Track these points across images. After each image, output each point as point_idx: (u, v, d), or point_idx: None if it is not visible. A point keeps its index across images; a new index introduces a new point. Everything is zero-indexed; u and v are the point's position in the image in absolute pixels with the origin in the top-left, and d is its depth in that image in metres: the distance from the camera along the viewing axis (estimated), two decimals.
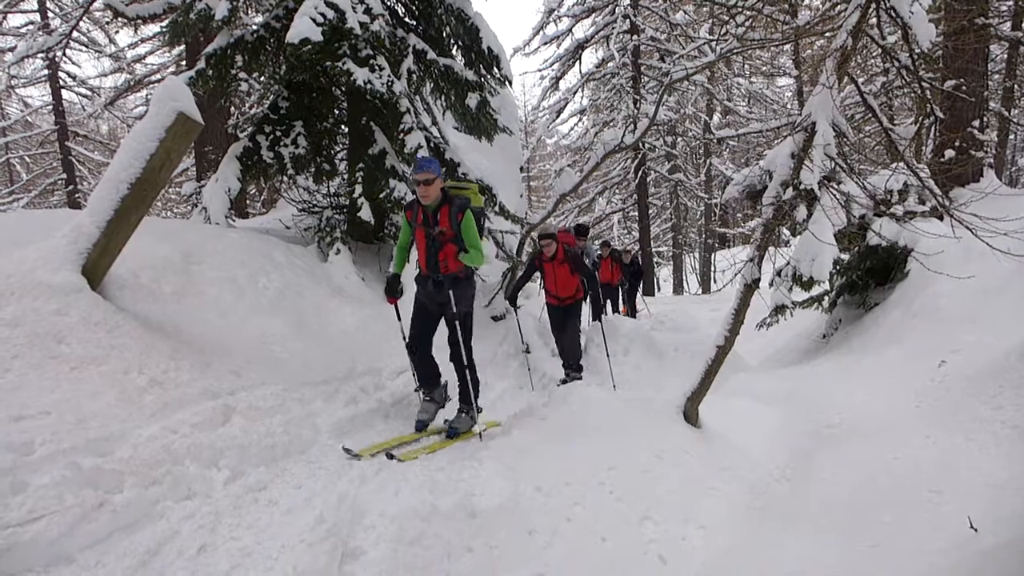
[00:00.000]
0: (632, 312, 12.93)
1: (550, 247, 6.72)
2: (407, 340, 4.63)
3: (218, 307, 5.02)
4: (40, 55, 14.93)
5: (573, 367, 7.14)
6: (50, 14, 17.53)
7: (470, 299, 4.61)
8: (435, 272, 4.42)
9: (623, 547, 3.06)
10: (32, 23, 17.46)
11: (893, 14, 4.08)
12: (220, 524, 3.06)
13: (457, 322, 4.48)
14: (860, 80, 8.83)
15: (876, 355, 6.19)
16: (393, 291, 4.59)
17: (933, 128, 8.14)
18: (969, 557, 2.63)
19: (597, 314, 10.22)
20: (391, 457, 3.94)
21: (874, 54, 10.22)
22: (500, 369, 7.47)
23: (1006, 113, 11.81)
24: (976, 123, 8.68)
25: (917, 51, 4.23)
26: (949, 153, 8.38)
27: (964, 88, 7.93)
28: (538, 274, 7.45)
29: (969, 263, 5.42)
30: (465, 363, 4.57)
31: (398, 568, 2.70)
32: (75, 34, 15.19)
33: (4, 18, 16.51)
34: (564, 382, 6.74)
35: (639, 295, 14.04)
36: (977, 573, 2.52)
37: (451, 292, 4.36)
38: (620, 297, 12.71)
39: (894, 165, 6.82)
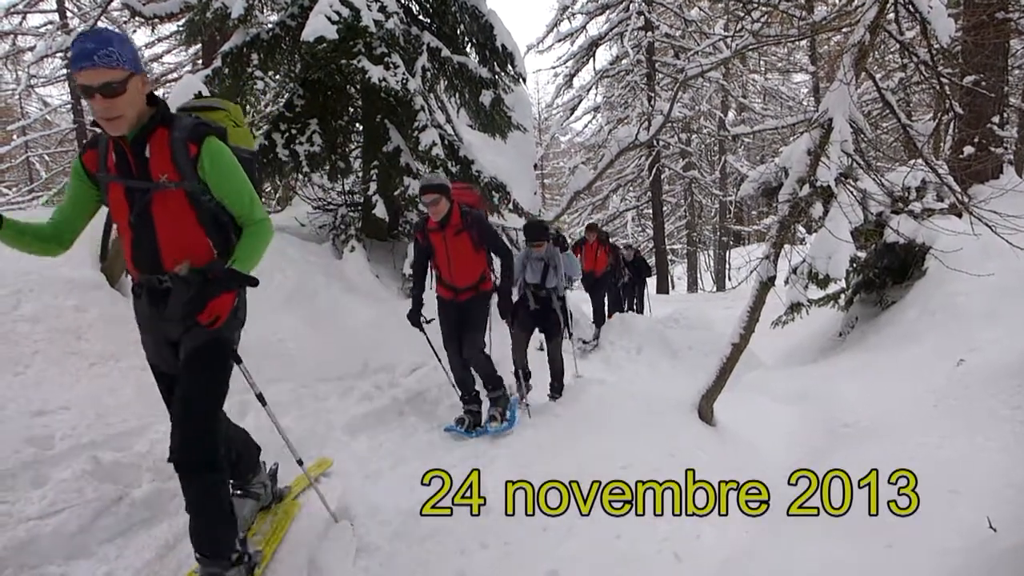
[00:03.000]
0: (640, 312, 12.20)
1: (437, 205, 4.36)
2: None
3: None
4: (59, 54, 15.08)
5: (491, 391, 4.90)
6: (69, 14, 17.70)
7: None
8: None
9: (637, 545, 3.06)
10: (51, 23, 17.63)
11: (912, 9, 4.04)
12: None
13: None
14: (878, 76, 8.75)
15: (893, 354, 6.13)
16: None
17: (952, 124, 8.05)
18: (988, 557, 2.60)
19: (599, 316, 9.92)
20: None
21: (892, 49, 10.09)
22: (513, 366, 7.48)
23: None
24: (996, 119, 8.56)
25: (936, 46, 4.18)
26: (968, 149, 8.26)
27: (984, 84, 7.82)
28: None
29: (988, 261, 5.34)
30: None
31: (412, 564, 2.72)
32: None
33: (24, 18, 16.67)
34: (470, 419, 4.79)
35: (646, 294, 12.84)
36: (995, 573, 2.49)
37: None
38: (620, 295, 11.58)
39: (912, 162, 6.75)
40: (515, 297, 5.53)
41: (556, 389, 5.91)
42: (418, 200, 5.83)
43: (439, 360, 4.93)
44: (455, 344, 4.72)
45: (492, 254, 4.79)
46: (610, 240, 10.63)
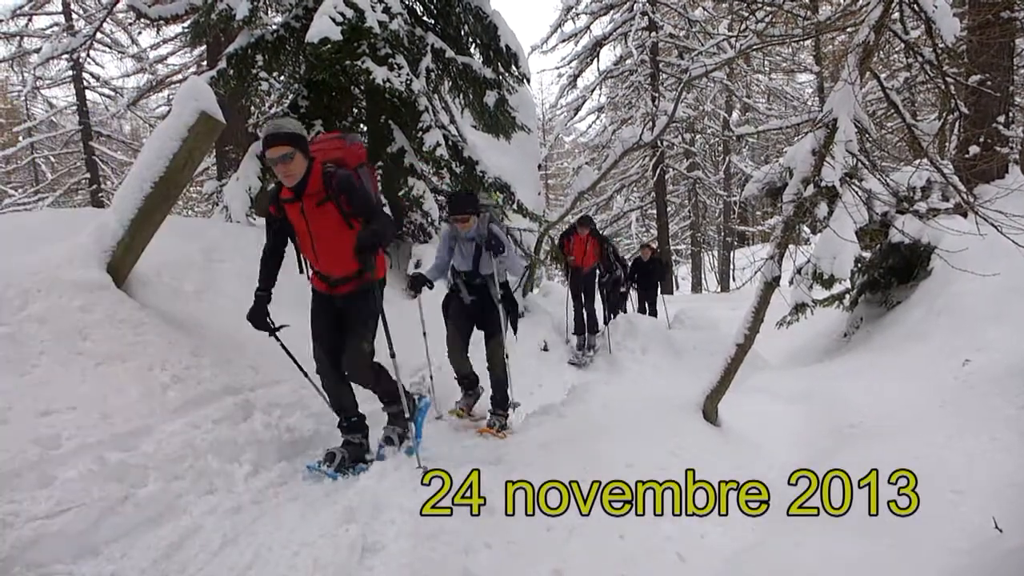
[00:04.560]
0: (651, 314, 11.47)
1: (288, 165, 3.26)
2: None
3: (238, 304, 5.04)
4: (65, 56, 15.16)
5: (386, 406, 4.02)
6: (74, 16, 17.79)
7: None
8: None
9: (641, 544, 3.05)
10: (57, 25, 17.73)
11: (916, 8, 4.03)
12: (242, 518, 3.10)
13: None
14: (883, 75, 8.73)
15: (898, 354, 6.11)
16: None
17: (957, 124, 8.02)
18: (992, 557, 2.59)
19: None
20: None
21: (897, 49, 10.08)
22: (518, 366, 7.48)
23: None
24: (1001, 119, 8.52)
25: (941, 46, 4.17)
26: (973, 149, 8.23)
27: (989, 83, 7.79)
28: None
29: (993, 261, 5.32)
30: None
31: (417, 563, 2.72)
32: (99, 35, 15.40)
33: (29, 20, 16.75)
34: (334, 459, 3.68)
35: (661, 299, 11.76)
36: (1000, 573, 2.48)
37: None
38: (623, 295, 10.92)
39: (917, 161, 6.73)
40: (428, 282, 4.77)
41: (498, 403, 4.98)
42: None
43: (306, 376, 3.90)
44: (329, 354, 3.71)
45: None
46: (607, 238, 9.73)
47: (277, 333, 3.70)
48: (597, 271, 9.24)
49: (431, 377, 5.17)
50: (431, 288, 4.71)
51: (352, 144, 3.71)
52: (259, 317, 3.65)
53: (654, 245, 14.02)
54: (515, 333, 5.37)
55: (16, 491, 2.65)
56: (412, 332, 4.74)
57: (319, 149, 3.53)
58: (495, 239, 4.63)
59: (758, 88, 25.09)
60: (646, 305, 11.72)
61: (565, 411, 4.86)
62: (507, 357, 4.97)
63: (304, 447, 4.05)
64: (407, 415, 3.87)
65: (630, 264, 11.42)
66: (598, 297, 9.46)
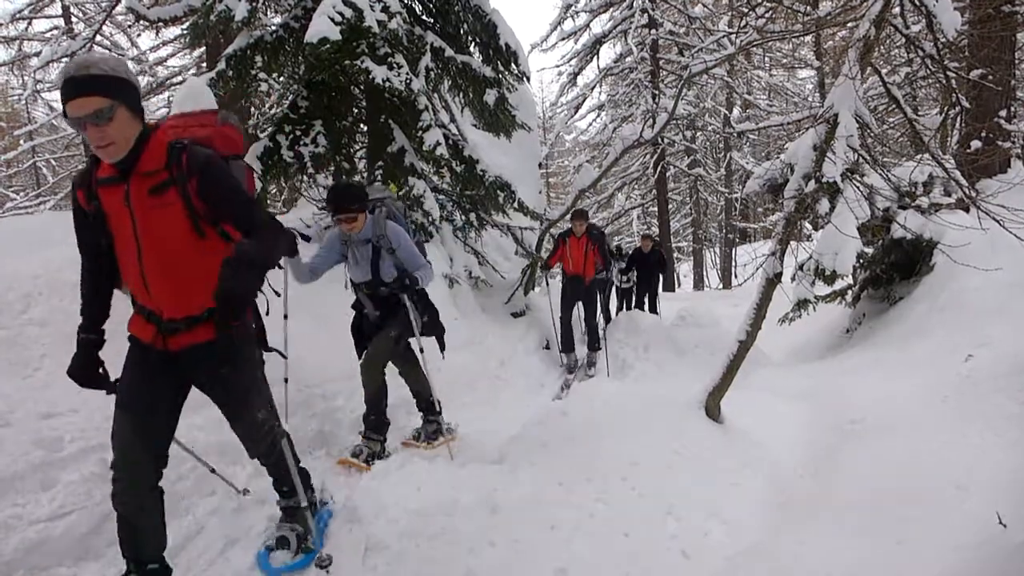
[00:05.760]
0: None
1: (100, 127, 2.00)
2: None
3: None
4: (65, 59, 15.15)
5: (282, 499, 2.88)
6: (74, 19, 17.80)
7: None
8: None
9: (645, 542, 3.05)
10: (56, 28, 17.73)
11: (917, 2, 4.02)
12: (245, 519, 3.10)
13: None
14: (884, 70, 8.71)
15: (901, 350, 6.10)
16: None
17: (959, 118, 8.01)
18: (997, 553, 2.59)
19: (567, 341, 7.73)
20: None
21: (898, 44, 10.06)
22: (520, 365, 7.49)
23: None
24: (1003, 113, 8.51)
25: (942, 40, 4.16)
26: (975, 144, 8.21)
27: (991, 77, 7.77)
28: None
29: (996, 255, 5.31)
30: None
31: (420, 562, 2.72)
32: (98, 38, 15.37)
33: (29, 23, 16.77)
34: None
35: (659, 295, 11.42)
36: (1005, 569, 2.48)
37: None
38: (628, 293, 10.76)
39: (919, 156, 6.71)
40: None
41: (374, 426, 4.11)
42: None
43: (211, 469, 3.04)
44: (142, 439, 2.30)
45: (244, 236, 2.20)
46: (605, 238, 8.42)
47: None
48: (599, 276, 7.99)
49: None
50: (307, 240, 3.80)
51: (225, 124, 2.52)
52: (86, 370, 2.32)
53: (655, 235, 13.41)
54: (442, 350, 4.43)
55: (19, 494, 2.66)
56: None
57: (174, 126, 2.41)
58: (408, 279, 3.85)
59: (759, 84, 25.03)
60: (645, 299, 11.25)
61: (568, 409, 4.86)
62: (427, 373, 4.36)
63: (307, 447, 4.05)
64: (303, 504, 2.80)
65: (629, 255, 11.13)
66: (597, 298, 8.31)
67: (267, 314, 2.69)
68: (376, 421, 4.09)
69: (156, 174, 2.15)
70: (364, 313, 4.14)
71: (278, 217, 3.49)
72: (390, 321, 4.05)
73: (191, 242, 2.23)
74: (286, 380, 3.95)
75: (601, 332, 8.20)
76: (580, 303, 7.99)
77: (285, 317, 4.07)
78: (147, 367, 2.34)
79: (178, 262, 2.23)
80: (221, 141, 2.45)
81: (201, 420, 3.52)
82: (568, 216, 8.46)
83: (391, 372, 4.25)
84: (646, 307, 11.05)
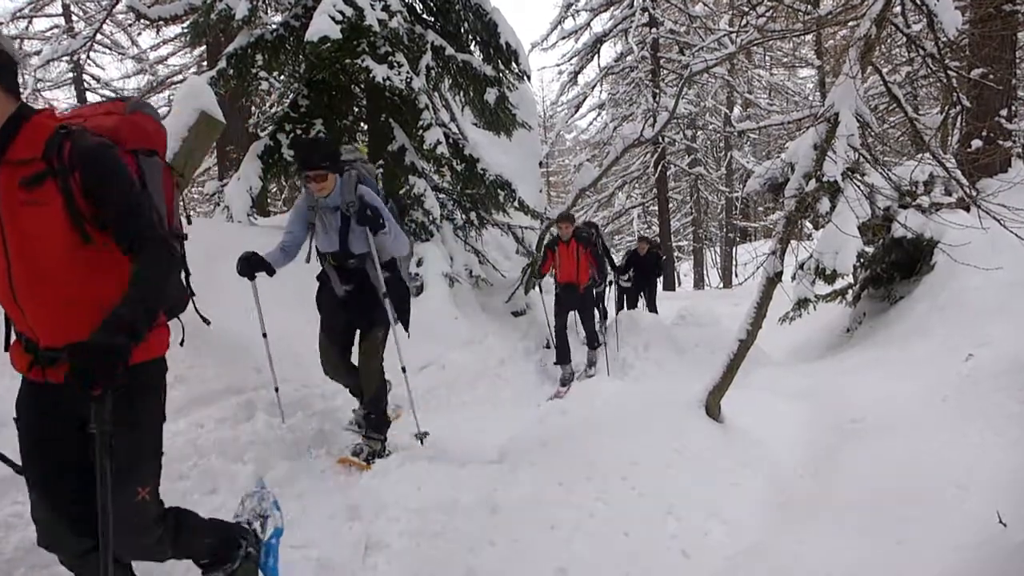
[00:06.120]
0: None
1: None
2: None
3: (240, 304, 5.07)
4: (65, 58, 15.17)
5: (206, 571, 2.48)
6: (74, 17, 17.80)
7: None
8: None
9: (645, 542, 3.05)
10: (57, 27, 17.74)
11: (918, 2, 4.02)
12: None
13: None
14: (884, 70, 8.70)
15: (901, 349, 6.10)
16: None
17: (959, 117, 7.99)
18: (997, 553, 2.59)
19: (564, 353, 7.30)
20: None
21: (899, 43, 10.05)
22: (520, 364, 7.48)
23: None
24: (1004, 112, 8.52)
25: (943, 39, 4.15)
26: (976, 143, 8.21)
27: (991, 76, 7.77)
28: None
29: (997, 255, 5.31)
30: None
31: (420, 561, 2.72)
32: (99, 37, 15.40)
33: (29, 22, 16.79)
34: None
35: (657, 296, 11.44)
36: (1005, 569, 2.48)
37: None
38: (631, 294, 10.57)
39: (920, 156, 6.71)
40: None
41: (374, 425, 3.92)
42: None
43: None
44: (52, 496, 1.94)
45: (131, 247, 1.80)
46: (601, 239, 8.16)
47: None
48: (595, 279, 7.63)
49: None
50: (271, 275, 3.64)
51: (135, 112, 2.04)
52: None
53: (651, 238, 13.31)
54: (407, 330, 4.13)
55: (19, 492, 2.65)
56: (415, 330, 4.66)
57: (78, 115, 2.01)
58: (370, 209, 3.43)
59: (759, 83, 25.03)
60: (643, 302, 11.16)
61: (568, 408, 4.86)
62: (403, 370, 4.06)
63: (307, 446, 4.05)
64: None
65: (625, 259, 11.09)
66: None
67: (181, 344, 2.36)
68: (377, 420, 4.04)
69: (31, 163, 1.70)
70: (330, 286, 3.82)
71: (279, 216, 3.46)
72: (371, 316, 3.82)
73: (72, 249, 1.75)
74: (276, 389, 3.92)
75: (600, 331, 8.08)
76: (575, 311, 7.69)
77: (264, 336, 3.86)
78: (40, 414, 1.89)
79: (56, 273, 1.75)
80: (130, 132, 1.98)
81: (201, 419, 3.53)
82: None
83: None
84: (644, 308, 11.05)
